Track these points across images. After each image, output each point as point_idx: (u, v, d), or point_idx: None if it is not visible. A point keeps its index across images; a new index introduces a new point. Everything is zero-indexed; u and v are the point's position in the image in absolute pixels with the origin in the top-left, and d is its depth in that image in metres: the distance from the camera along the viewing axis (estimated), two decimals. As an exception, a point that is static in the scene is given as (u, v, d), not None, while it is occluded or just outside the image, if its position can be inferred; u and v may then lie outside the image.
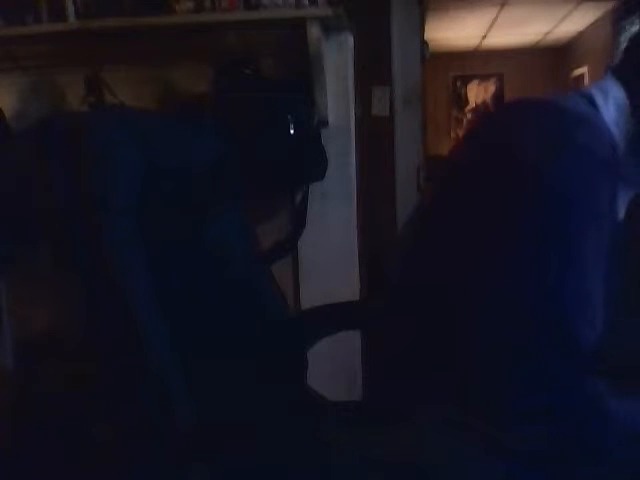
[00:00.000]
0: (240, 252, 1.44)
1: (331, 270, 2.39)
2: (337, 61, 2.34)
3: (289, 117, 2.06)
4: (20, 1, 2.24)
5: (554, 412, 0.87)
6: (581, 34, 6.50)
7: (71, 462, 1.59)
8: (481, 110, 7.61)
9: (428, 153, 3.56)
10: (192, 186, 1.32)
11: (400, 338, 1.06)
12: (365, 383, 2.40)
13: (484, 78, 7.64)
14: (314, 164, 2.25)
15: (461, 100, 7.72)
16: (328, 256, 2.40)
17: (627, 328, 1.04)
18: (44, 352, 1.86)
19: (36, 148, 1.29)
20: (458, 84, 7.70)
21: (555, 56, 7.28)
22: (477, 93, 7.71)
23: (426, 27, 3.43)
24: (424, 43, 3.17)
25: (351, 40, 2.39)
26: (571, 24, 6.08)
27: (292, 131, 2.07)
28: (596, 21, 5.86)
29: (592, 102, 0.97)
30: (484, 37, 6.63)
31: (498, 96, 7.58)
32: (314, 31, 2.14)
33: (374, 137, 2.86)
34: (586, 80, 6.26)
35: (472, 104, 7.70)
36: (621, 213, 0.98)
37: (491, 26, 6.07)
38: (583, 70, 6.43)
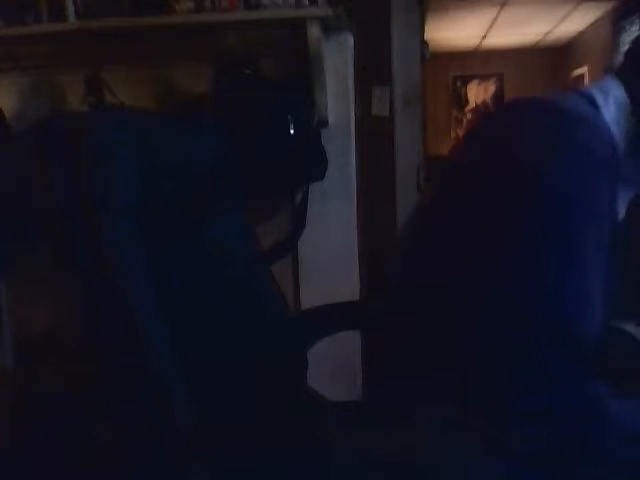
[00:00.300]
0: (240, 252, 1.44)
1: (331, 270, 2.39)
2: (337, 61, 2.35)
3: (289, 117, 2.06)
4: (20, 1, 2.24)
5: (554, 412, 0.87)
6: (581, 34, 6.50)
7: (71, 462, 1.59)
8: (481, 110, 7.61)
9: (428, 153, 3.56)
10: (192, 186, 1.32)
11: (400, 338, 1.06)
12: (365, 383, 2.40)
13: (484, 78, 7.64)
14: (314, 164, 2.25)
15: (461, 100, 7.73)
16: (328, 256, 2.40)
17: (627, 328, 1.04)
18: (44, 352, 1.86)
19: (36, 148, 1.29)
20: (458, 84, 7.70)
21: (555, 56, 7.28)
22: (477, 93, 7.71)
23: (426, 27, 3.43)
24: (424, 43, 3.17)
25: (351, 40, 2.39)
26: (571, 24, 6.08)
27: (292, 131, 2.07)
28: (596, 21, 5.86)
29: (592, 102, 0.97)
30: (484, 37, 6.63)
31: (498, 96, 7.58)
32: (314, 31, 2.14)
33: (374, 137, 2.85)
34: (586, 80, 6.26)
35: (472, 104, 7.70)
36: (621, 213, 0.98)
37: (491, 26, 6.07)
38: (583, 70, 6.43)
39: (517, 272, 0.89)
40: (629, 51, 0.97)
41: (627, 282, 1.00)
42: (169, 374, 1.19)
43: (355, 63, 2.43)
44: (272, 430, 1.22)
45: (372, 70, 2.82)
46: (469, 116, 7.67)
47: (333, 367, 2.19)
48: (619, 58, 0.98)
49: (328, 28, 2.25)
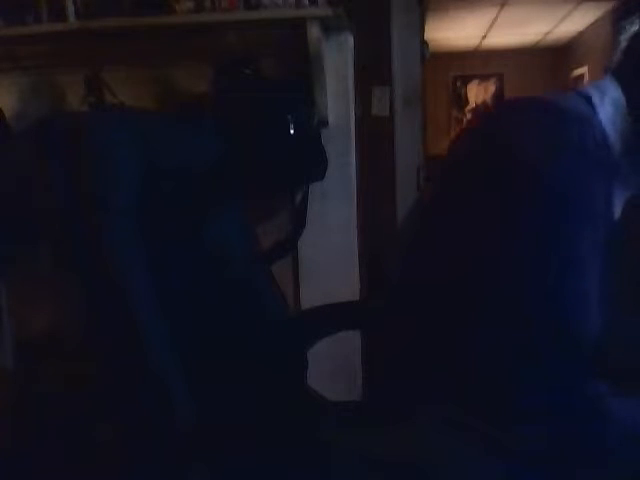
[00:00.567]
0: (240, 252, 1.44)
1: (331, 270, 2.39)
2: (337, 61, 2.35)
3: (289, 117, 2.06)
4: (20, 1, 2.24)
5: (554, 412, 0.87)
6: (581, 34, 6.50)
7: (71, 462, 1.59)
8: (481, 110, 7.61)
9: (428, 153, 3.56)
10: (192, 186, 1.32)
11: (400, 338, 1.06)
12: (365, 383, 2.40)
13: (484, 78, 7.64)
14: (314, 164, 2.25)
15: (461, 100, 7.72)
16: (328, 256, 2.40)
17: (627, 328, 1.03)
18: (44, 352, 1.86)
19: (36, 148, 1.29)
20: (458, 84, 7.70)
21: (555, 56, 7.28)
22: (477, 93, 7.71)
23: (426, 27, 3.43)
24: (424, 43, 3.16)
25: (351, 40, 2.39)
26: (571, 24, 6.08)
27: (292, 131, 2.07)
28: (596, 21, 5.86)
29: (589, 101, 0.97)
30: (484, 37, 6.63)
31: (498, 96, 7.58)
32: (314, 31, 2.14)
33: (374, 137, 2.85)
34: (586, 80, 6.26)
35: (472, 104, 7.69)
36: (617, 213, 0.98)
37: (491, 26, 6.07)
38: (583, 70, 6.43)
39: (517, 272, 0.89)
40: (627, 48, 0.97)
41: (623, 282, 1.00)
42: (169, 374, 1.19)
43: (355, 63, 2.43)
44: (272, 430, 1.22)
45: (372, 70, 2.82)
46: (469, 116, 7.67)
47: (333, 367, 2.19)
48: (617, 57, 0.98)
49: (328, 28, 2.25)
